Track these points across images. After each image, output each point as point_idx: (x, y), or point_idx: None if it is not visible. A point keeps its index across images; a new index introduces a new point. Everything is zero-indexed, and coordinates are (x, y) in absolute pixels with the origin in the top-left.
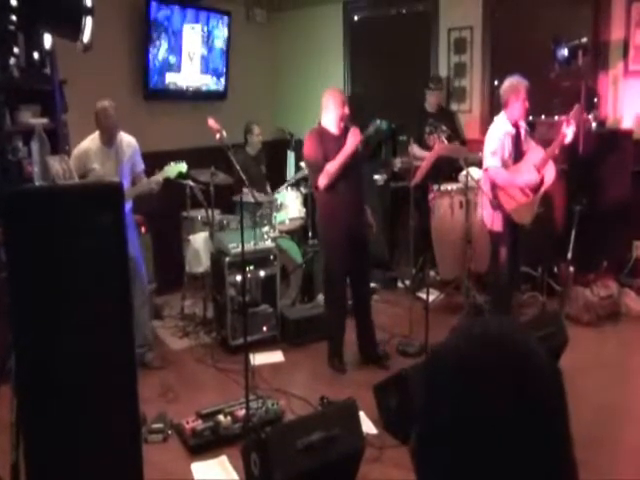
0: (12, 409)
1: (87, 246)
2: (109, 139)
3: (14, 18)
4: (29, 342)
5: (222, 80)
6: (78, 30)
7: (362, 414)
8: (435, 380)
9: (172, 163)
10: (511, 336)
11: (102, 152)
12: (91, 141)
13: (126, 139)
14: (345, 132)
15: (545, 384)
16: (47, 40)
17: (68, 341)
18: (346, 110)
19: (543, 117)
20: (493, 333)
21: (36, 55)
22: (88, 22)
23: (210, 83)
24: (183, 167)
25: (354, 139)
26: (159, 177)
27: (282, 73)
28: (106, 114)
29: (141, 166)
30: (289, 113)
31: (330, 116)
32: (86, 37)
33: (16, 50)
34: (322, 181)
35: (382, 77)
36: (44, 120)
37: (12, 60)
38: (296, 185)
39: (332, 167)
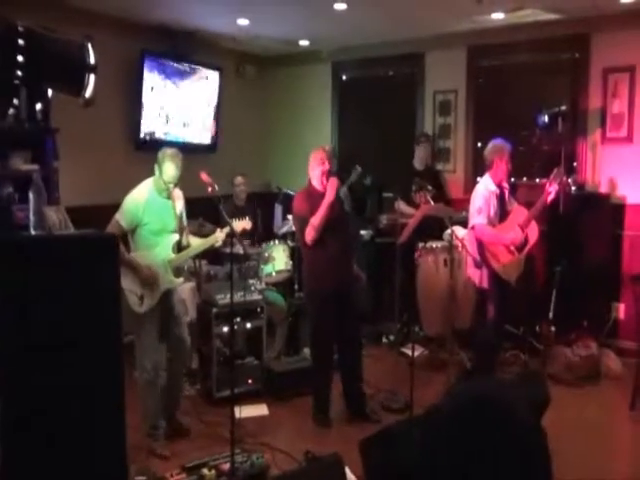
0: None
1: (82, 296)
2: (168, 190)
3: (19, 73)
4: (16, 387)
5: (212, 133)
6: (81, 86)
7: (347, 470)
8: (434, 436)
9: (235, 220)
10: (498, 399)
11: (159, 204)
12: (146, 191)
13: (177, 191)
14: None
15: (531, 443)
16: (49, 93)
17: (58, 387)
18: (326, 167)
19: (525, 179)
20: (484, 396)
21: (38, 106)
22: (91, 79)
23: (200, 136)
24: (248, 224)
25: (331, 187)
26: (223, 234)
27: (271, 128)
28: (176, 162)
29: (186, 220)
30: (278, 167)
31: (313, 174)
32: (88, 93)
33: (16, 102)
34: (309, 235)
35: (369, 135)
36: (35, 167)
37: (11, 111)
38: (283, 238)
39: (316, 219)
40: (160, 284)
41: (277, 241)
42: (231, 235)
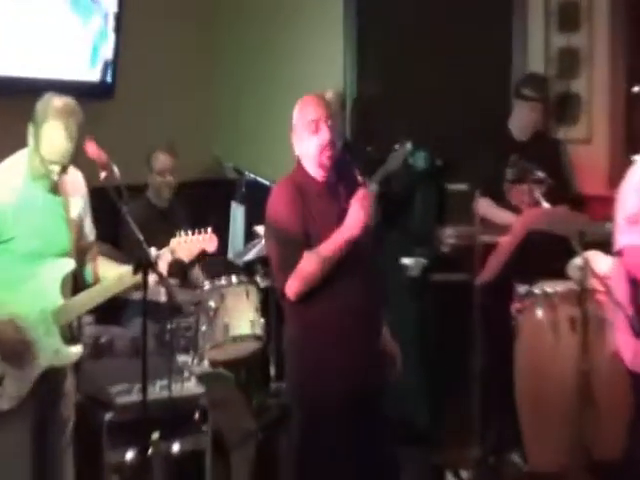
0: None
1: None
2: (52, 176)
3: None
4: None
5: (107, 66)
6: None
7: None
8: None
9: (184, 233)
10: None
11: (38, 203)
12: (14, 182)
13: (72, 177)
14: (339, 178)
15: None
16: None
17: None
18: (326, 135)
19: None
20: None
21: None
22: None
23: (82, 69)
24: (211, 244)
25: (357, 214)
26: (164, 262)
27: (224, 59)
28: (68, 123)
29: (93, 231)
30: (238, 133)
31: (303, 147)
32: None
33: None
34: (294, 282)
35: (415, 70)
36: None
37: None
38: (248, 270)
39: (310, 263)
40: (36, 356)
41: (235, 277)
42: (142, 265)
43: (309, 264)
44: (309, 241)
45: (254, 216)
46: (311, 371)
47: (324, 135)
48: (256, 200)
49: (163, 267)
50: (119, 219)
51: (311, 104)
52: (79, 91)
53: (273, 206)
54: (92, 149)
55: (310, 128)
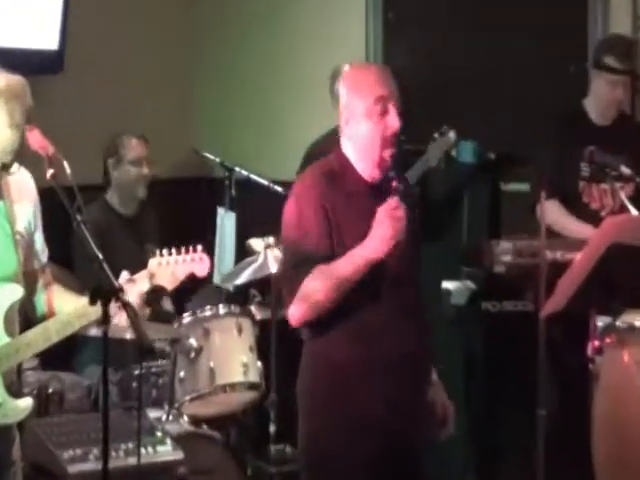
0: None
1: None
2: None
3: None
4: None
5: (53, 31)
6: None
7: None
8: None
9: (166, 252)
10: None
11: None
12: None
13: (19, 178)
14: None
15: None
16: None
17: None
18: (395, 120)
19: None
20: None
21: None
22: None
23: (26, 35)
24: (202, 267)
25: (384, 231)
26: (138, 289)
27: (209, 28)
28: (12, 105)
29: (45, 248)
30: (225, 120)
31: (359, 135)
32: None
33: None
34: (297, 306)
35: (459, 36)
36: None
37: None
38: (241, 298)
39: (317, 282)
40: None
41: (222, 307)
42: (101, 292)
43: (316, 284)
44: (340, 254)
45: (247, 226)
46: (326, 429)
47: (393, 122)
48: (249, 205)
49: (137, 295)
50: (71, 231)
51: (376, 75)
52: (28, 62)
53: (293, 202)
54: (35, 139)
55: (374, 110)
